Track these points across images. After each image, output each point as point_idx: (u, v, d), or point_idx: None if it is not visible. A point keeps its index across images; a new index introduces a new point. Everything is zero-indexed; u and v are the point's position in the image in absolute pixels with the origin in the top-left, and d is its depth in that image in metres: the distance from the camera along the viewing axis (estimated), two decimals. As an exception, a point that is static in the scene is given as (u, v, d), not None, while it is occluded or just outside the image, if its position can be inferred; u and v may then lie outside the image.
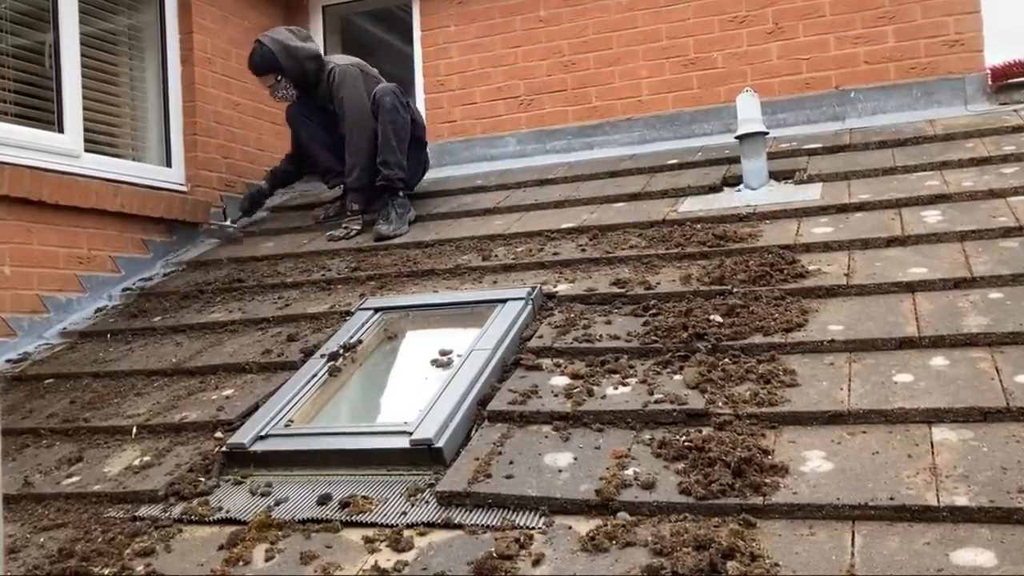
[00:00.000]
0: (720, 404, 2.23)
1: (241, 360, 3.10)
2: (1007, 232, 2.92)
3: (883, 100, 4.57)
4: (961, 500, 1.74)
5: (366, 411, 2.88)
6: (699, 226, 3.49)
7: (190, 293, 3.96)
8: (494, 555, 1.81)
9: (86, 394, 3.14)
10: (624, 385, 2.42)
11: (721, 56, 4.87)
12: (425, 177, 4.69)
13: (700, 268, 3.08)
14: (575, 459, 2.14)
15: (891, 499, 1.78)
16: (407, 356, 3.10)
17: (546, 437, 2.26)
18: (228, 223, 4.72)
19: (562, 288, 3.13)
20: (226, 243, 4.64)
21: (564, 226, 3.78)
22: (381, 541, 1.96)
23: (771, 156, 3.97)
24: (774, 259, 3.00)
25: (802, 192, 3.67)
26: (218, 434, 2.64)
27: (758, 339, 2.52)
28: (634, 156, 4.73)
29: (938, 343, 2.36)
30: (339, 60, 4.52)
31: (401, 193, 4.27)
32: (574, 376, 2.51)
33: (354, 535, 2.02)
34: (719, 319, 2.65)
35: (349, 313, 3.24)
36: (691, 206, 3.75)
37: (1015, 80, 4.35)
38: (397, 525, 2.02)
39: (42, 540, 2.24)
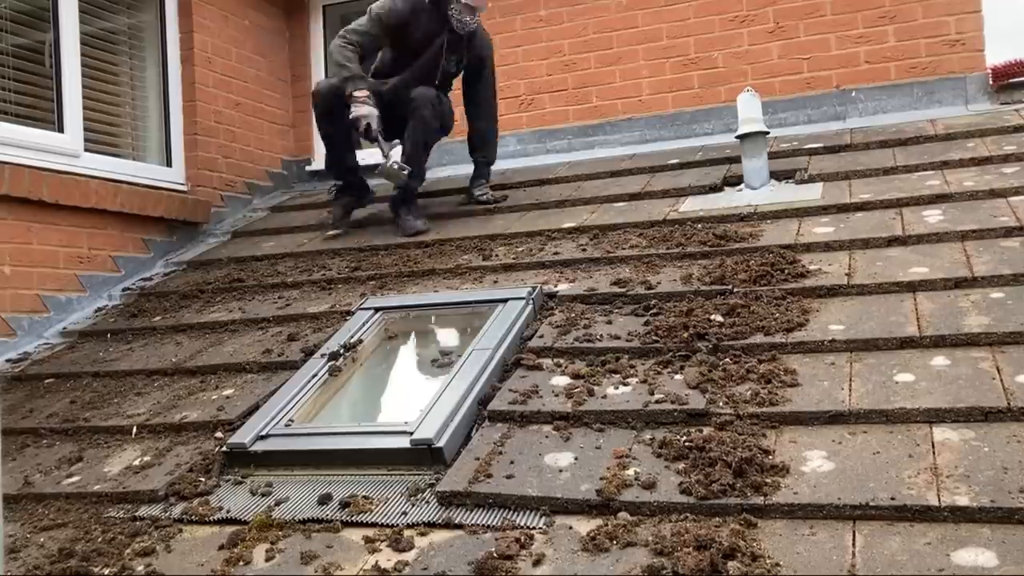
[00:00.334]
0: (721, 404, 2.23)
1: (241, 360, 3.10)
2: (1008, 232, 2.92)
3: (884, 100, 4.57)
4: (962, 500, 1.74)
5: (367, 411, 2.88)
6: (700, 226, 3.49)
7: (190, 293, 3.96)
8: (495, 555, 1.81)
9: (86, 394, 3.14)
10: (625, 385, 2.42)
11: (722, 56, 4.87)
12: (426, 177, 4.68)
13: (701, 268, 3.08)
14: (576, 459, 2.13)
15: (892, 499, 1.78)
16: (408, 356, 3.10)
17: (547, 437, 2.26)
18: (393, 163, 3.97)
19: (563, 288, 3.13)
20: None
21: (565, 226, 3.78)
22: (382, 541, 1.96)
23: (772, 156, 3.97)
24: (775, 259, 2.99)
25: (803, 192, 3.67)
26: (218, 434, 2.64)
27: (759, 339, 2.52)
28: (635, 156, 4.73)
29: (939, 343, 2.36)
30: None
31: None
32: (575, 376, 2.51)
33: (354, 535, 2.02)
34: (720, 319, 2.65)
35: (350, 313, 3.24)
36: (692, 206, 3.75)
37: (1016, 80, 4.35)
38: (398, 525, 2.02)
39: (42, 540, 2.24)
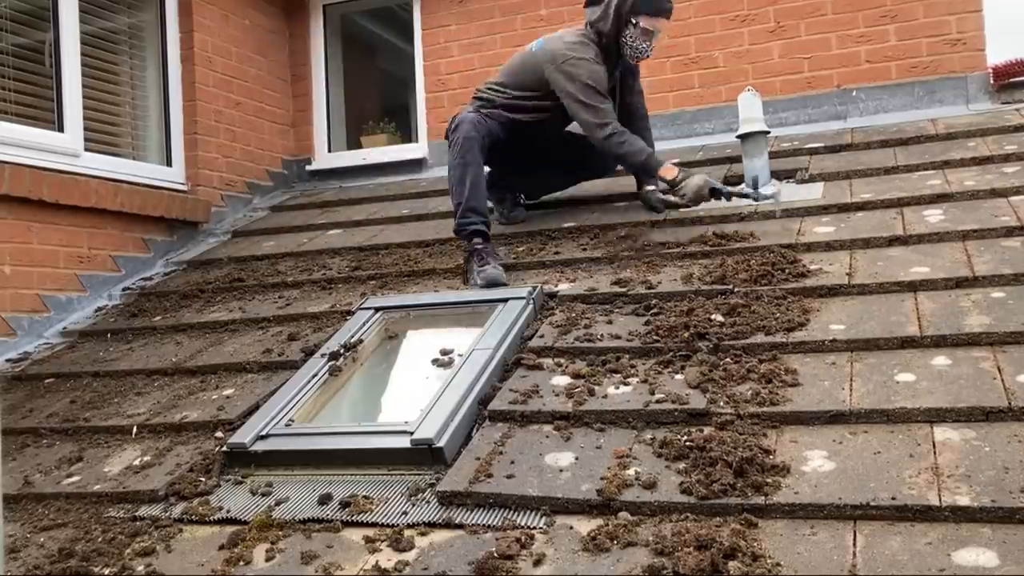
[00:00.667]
0: (722, 404, 2.23)
1: (242, 359, 3.10)
2: (1009, 231, 2.92)
3: (885, 99, 4.57)
4: (963, 500, 1.74)
5: (367, 411, 2.88)
6: (700, 225, 3.49)
7: (190, 292, 3.96)
8: (495, 555, 1.81)
9: (86, 393, 3.14)
10: (625, 385, 2.41)
11: (722, 55, 4.86)
12: (426, 176, 4.69)
13: (701, 267, 3.08)
14: (576, 459, 2.13)
15: (893, 499, 1.78)
16: (408, 355, 3.10)
17: (547, 437, 2.26)
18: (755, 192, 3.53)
19: (563, 287, 3.13)
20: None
21: (565, 225, 3.78)
22: (382, 541, 1.96)
23: (773, 155, 3.96)
24: (776, 258, 2.99)
25: (804, 191, 3.67)
26: (219, 434, 2.64)
27: (760, 338, 2.51)
28: (635, 155, 4.72)
29: (940, 343, 2.36)
30: None
31: None
32: (575, 376, 2.51)
33: (355, 535, 2.02)
34: (720, 318, 2.65)
35: (350, 312, 3.24)
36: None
37: (1017, 79, 4.34)
38: (398, 525, 2.02)
39: (42, 540, 2.24)
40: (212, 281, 4.02)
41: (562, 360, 2.63)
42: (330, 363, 2.80)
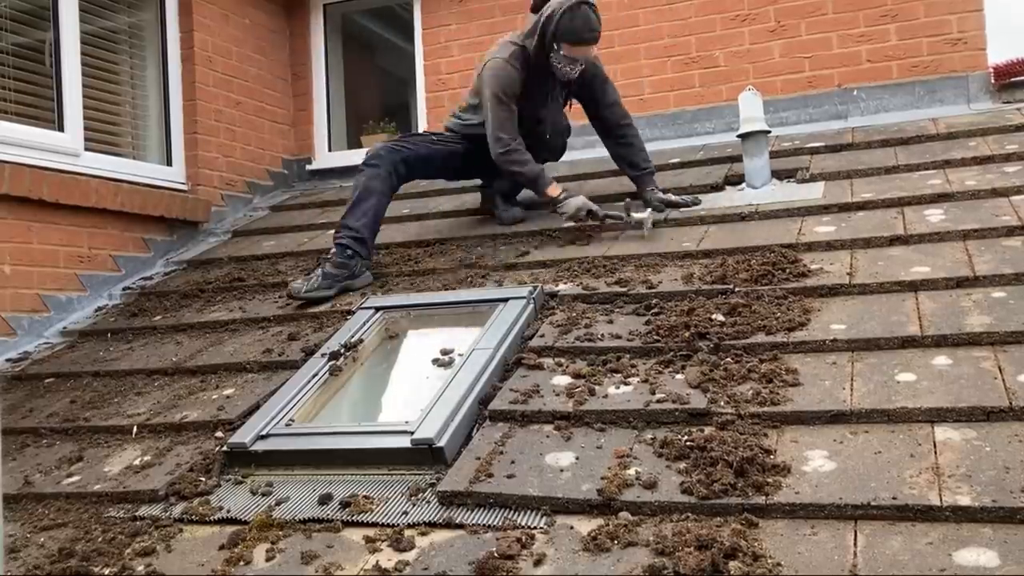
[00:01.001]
0: (722, 403, 2.22)
1: (242, 359, 3.10)
2: (1010, 231, 2.91)
3: (886, 99, 4.56)
4: (964, 500, 1.74)
5: (367, 410, 2.88)
6: (701, 225, 3.48)
7: (191, 292, 3.96)
8: (495, 555, 1.81)
9: (86, 393, 3.14)
10: (626, 384, 2.41)
11: (723, 54, 4.86)
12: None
13: (702, 267, 3.07)
14: (577, 459, 2.13)
15: (894, 499, 1.77)
16: (408, 355, 3.10)
17: (548, 437, 2.25)
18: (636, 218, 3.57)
19: (564, 287, 3.13)
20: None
21: (566, 225, 3.77)
22: (382, 541, 1.96)
23: (773, 155, 3.96)
24: (776, 258, 2.99)
25: (804, 191, 3.66)
26: (219, 433, 2.63)
27: (760, 338, 2.51)
28: (636, 155, 4.71)
29: (941, 342, 2.35)
30: None
31: None
32: (576, 375, 2.51)
33: (355, 535, 2.02)
34: (721, 318, 2.65)
35: (350, 312, 3.24)
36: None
37: (1018, 78, 4.34)
38: (398, 525, 2.02)
39: (42, 540, 2.24)
40: (212, 281, 4.02)
41: (563, 360, 2.63)
42: (330, 363, 2.80)
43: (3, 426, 2.95)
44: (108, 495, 2.41)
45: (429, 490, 2.14)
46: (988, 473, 1.81)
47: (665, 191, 3.83)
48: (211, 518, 2.20)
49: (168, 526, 2.20)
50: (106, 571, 2.03)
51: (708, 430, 2.13)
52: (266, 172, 5.42)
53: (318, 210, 4.89)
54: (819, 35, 4.69)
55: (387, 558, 1.89)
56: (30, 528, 2.31)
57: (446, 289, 3.32)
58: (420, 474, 2.24)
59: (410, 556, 1.89)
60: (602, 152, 4.86)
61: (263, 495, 2.28)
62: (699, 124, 4.88)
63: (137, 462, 2.56)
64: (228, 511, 2.22)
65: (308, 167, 5.67)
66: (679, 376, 2.40)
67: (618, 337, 2.69)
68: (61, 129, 4.07)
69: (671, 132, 4.90)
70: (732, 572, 1.63)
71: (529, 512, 1.98)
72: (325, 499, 2.18)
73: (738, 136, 3.85)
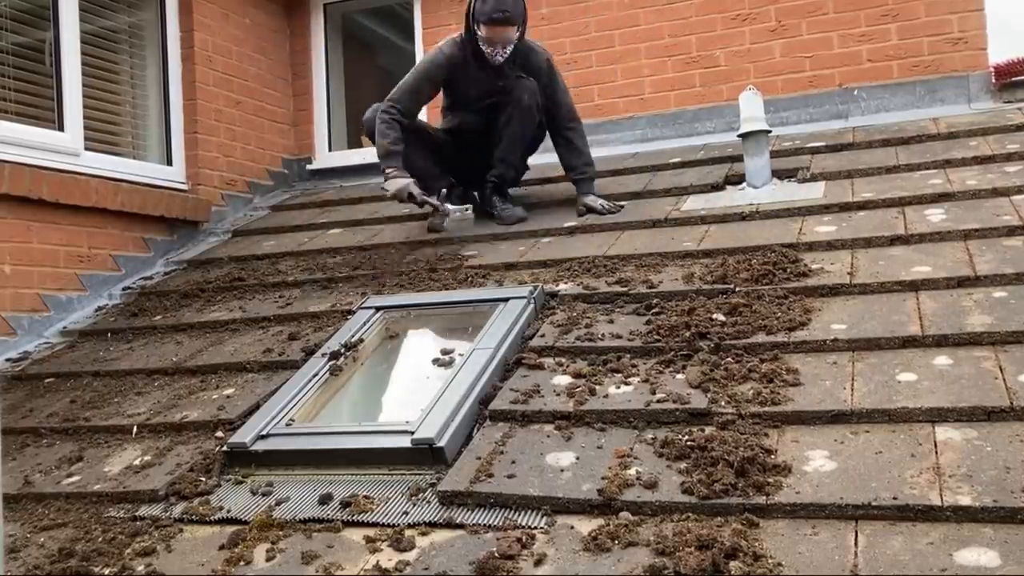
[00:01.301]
0: (723, 403, 2.22)
1: (242, 359, 3.09)
2: (1011, 231, 2.91)
3: (886, 98, 4.56)
4: (965, 500, 1.73)
5: (367, 410, 2.88)
6: (702, 225, 3.48)
7: (191, 292, 3.95)
8: (496, 555, 1.81)
9: (86, 393, 3.14)
10: (626, 384, 2.41)
11: (724, 54, 4.86)
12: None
13: (703, 267, 3.07)
14: (577, 458, 2.13)
15: (894, 499, 1.77)
16: (409, 355, 3.10)
17: (548, 436, 2.25)
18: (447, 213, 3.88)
19: (564, 287, 3.12)
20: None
21: (566, 224, 3.77)
22: (383, 541, 1.96)
23: (774, 154, 3.96)
24: (777, 258, 2.99)
25: (805, 190, 3.66)
26: (219, 433, 2.63)
27: (761, 338, 2.51)
28: (636, 154, 4.73)
29: (942, 342, 2.35)
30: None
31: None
32: (576, 375, 2.50)
33: (355, 535, 2.02)
34: (722, 318, 2.65)
35: (350, 312, 3.23)
36: (693, 204, 3.75)
37: (1019, 78, 4.34)
38: (399, 525, 2.02)
39: (42, 540, 2.24)
40: (212, 280, 4.02)
41: (563, 360, 2.62)
42: (331, 363, 2.80)
43: (3, 426, 2.94)
44: (108, 495, 2.41)
45: (429, 490, 2.14)
46: (989, 473, 1.81)
47: (608, 197, 3.93)
48: (211, 518, 2.20)
49: (168, 526, 2.20)
50: (106, 571, 2.03)
51: (709, 430, 2.13)
52: (266, 172, 5.42)
53: (318, 210, 4.89)
54: (820, 35, 4.69)
55: (387, 558, 1.89)
56: (30, 528, 2.31)
57: (446, 289, 3.32)
58: (420, 474, 2.23)
59: (410, 556, 1.89)
60: (601, 152, 4.90)
61: (263, 495, 2.28)
62: (700, 124, 4.88)
63: (137, 462, 2.55)
64: (228, 511, 2.21)
65: (308, 167, 5.67)
66: (680, 376, 2.40)
67: (619, 337, 2.69)
68: (61, 129, 4.07)
69: (671, 132, 4.90)
70: (733, 572, 1.63)
71: (529, 512, 1.98)
72: (325, 499, 2.18)
73: (739, 136, 3.85)
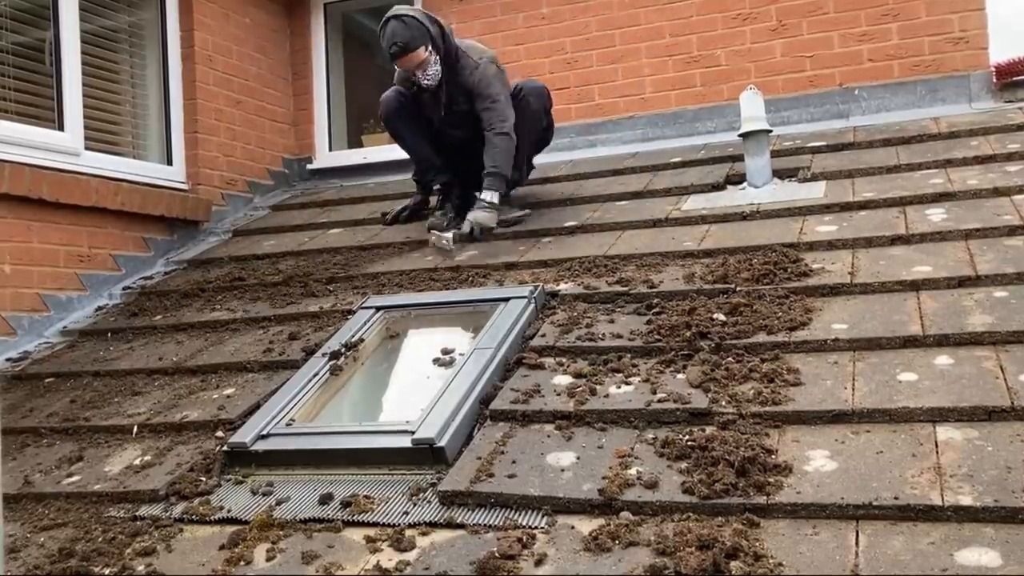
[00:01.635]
0: (723, 403, 2.22)
1: (242, 359, 3.09)
2: (1012, 230, 2.91)
3: (887, 98, 4.56)
4: (966, 499, 1.73)
5: (368, 410, 2.88)
6: (702, 224, 3.47)
7: (191, 291, 3.95)
8: (496, 555, 1.81)
9: (87, 393, 3.14)
10: (627, 384, 2.41)
11: (724, 53, 4.85)
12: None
13: (703, 267, 3.07)
14: (578, 458, 2.13)
15: (895, 499, 1.77)
16: (409, 355, 3.09)
17: (549, 436, 2.25)
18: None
19: (565, 286, 3.12)
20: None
21: (567, 224, 3.77)
22: (383, 541, 1.96)
23: (774, 154, 3.96)
24: (778, 257, 2.98)
25: (806, 190, 3.66)
26: (219, 433, 2.63)
27: (762, 338, 2.51)
28: (637, 154, 4.72)
29: (942, 342, 2.35)
30: (472, 48, 3.95)
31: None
32: (577, 375, 2.50)
33: (356, 535, 2.01)
34: (722, 318, 2.64)
35: (351, 312, 3.23)
36: (694, 204, 3.74)
37: (1020, 78, 4.33)
38: (399, 525, 2.02)
39: (42, 540, 2.24)
40: (213, 280, 4.02)
41: (564, 359, 2.62)
42: (331, 362, 2.80)
43: (3, 426, 2.94)
44: (108, 495, 2.41)
45: (430, 490, 2.14)
46: (990, 473, 1.80)
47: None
48: (211, 518, 2.20)
49: (168, 526, 2.20)
50: (106, 571, 2.03)
51: (709, 430, 2.13)
52: (266, 171, 5.42)
53: (318, 209, 4.89)
54: (820, 34, 4.68)
55: (388, 558, 1.89)
56: (30, 528, 2.31)
57: (446, 289, 3.32)
58: (421, 474, 2.23)
59: (411, 556, 1.89)
60: (602, 152, 4.91)
61: (263, 495, 2.27)
62: (700, 123, 4.87)
63: (137, 462, 2.55)
64: (228, 511, 2.21)
65: (309, 166, 5.66)
66: (680, 376, 2.40)
67: (619, 337, 2.68)
68: (61, 128, 4.06)
69: (672, 131, 4.90)
70: (733, 572, 1.63)
71: (530, 512, 1.98)
72: (326, 499, 2.18)
73: (739, 135, 3.85)
